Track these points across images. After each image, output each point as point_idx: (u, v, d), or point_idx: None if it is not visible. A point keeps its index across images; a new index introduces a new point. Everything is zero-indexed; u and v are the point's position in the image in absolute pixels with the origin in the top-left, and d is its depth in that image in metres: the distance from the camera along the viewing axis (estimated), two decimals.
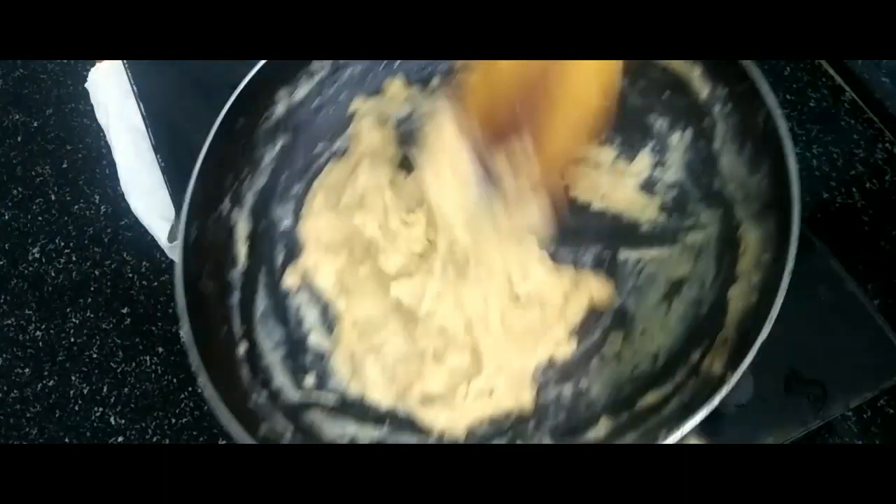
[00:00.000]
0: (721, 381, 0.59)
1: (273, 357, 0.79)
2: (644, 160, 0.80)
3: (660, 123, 0.80)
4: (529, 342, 0.74)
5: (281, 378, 0.77)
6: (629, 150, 0.81)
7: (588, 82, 0.68)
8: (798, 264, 0.62)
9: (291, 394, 0.76)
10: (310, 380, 0.78)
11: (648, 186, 0.79)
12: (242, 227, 0.83)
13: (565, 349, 0.74)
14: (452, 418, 0.72)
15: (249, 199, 0.85)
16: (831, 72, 0.87)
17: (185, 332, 0.71)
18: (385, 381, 0.76)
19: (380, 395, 0.76)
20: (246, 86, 0.82)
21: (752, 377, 0.69)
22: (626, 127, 0.82)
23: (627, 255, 0.77)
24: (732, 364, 0.60)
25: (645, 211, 0.78)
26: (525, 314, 0.74)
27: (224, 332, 0.77)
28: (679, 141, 0.79)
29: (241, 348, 0.77)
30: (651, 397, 0.67)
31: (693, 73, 0.75)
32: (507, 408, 0.72)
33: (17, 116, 1.10)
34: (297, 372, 0.78)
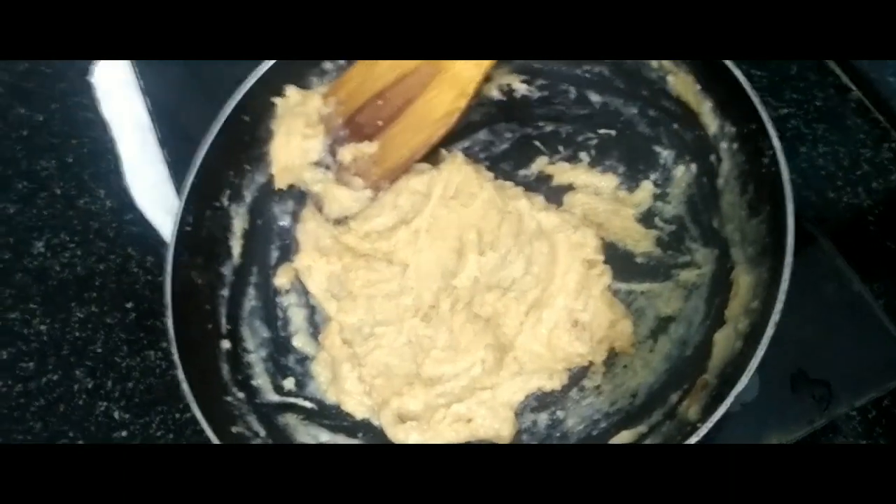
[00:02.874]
0: (693, 428, 0.59)
1: (255, 356, 0.79)
2: (646, 191, 0.80)
3: (666, 155, 0.80)
4: (556, 364, 0.74)
5: (260, 378, 0.78)
6: (632, 180, 0.81)
7: (443, 96, 0.77)
8: (804, 263, 0.63)
9: (269, 395, 0.77)
10: (289, 383, 0.78)
11: (647, 218, 0.79)
12: (239, 223, 0.83)
13: (555, 382, 0.74)
14: (424, 440, 0.72)
15: (249, 195, 0.84)
16: (838, 71, 0.87)
17: (168, 322, 0.72)
18: (362, 393, 0.76)
19: (356, 405, 0.76)
20: (253, 83, 0.81)
21: (759, 376, 0.69)
22: (631, 155, 0.82)
23: (618, 286, 0.76)
24: (707, 412, 0.60)
25: (641, 243, 0.78)
26: (571, 341, 0.74)
27: (209, 326, 0.77)
28: (683, 175, 0.78)
29: (225, 344, 0.77)
30: (625, 435, 0.67)
31: (703, 107, 0.74)
32: (482, 437, 0.72)
33: (22, 111, 1.10)
34: (278, 374, 0.79)
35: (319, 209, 0.83)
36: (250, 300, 0.82)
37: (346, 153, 0.82)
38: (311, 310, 0.83)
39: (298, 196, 0.86)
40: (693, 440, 0.59)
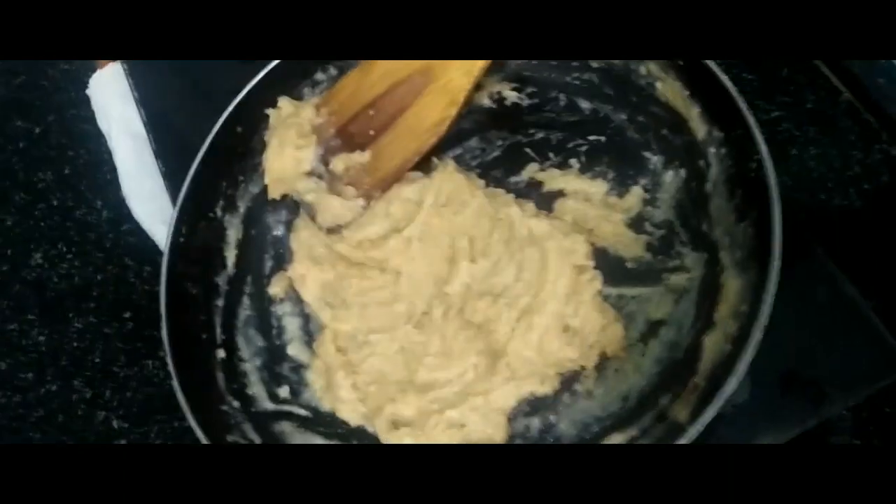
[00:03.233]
0: (682, 430, 0.60)
1: (250, 365, 0.80)
2: (635, 196, 0.80)
3: (655, 160, 0.80)
4: (548, 369, 0.74)
5: (256, 387, 0.78)
6: (621, 185, 0.81)
7: (434, 105, 0.78)
8: (795, 266, 0.63)
9: (264, 404, 0.77)
10: (284, 391, 0.79)
11: (637, 223, 0.79)
12: (233, 233, 0.84)
13: (547, 387, 0.74)
14: None
15: (243, 205, 0.85)
16: (828, 73, 0.87)
17: (164, 332, 0.73)
18: (356, 400, 0.77)
19: (350, 413, 0.77)
20: (246, 94, 0.82)
21: (750, 378, 0.69)
22: (620, 161, 0.82)
23: (609, 291, 0.76)
24: (696, 414, 0.60)
25: (631, 248, 0.78)
26: (563, 347, 0.74)
27: (205, 336, 0.78)
28: (672, 180, 0.78)
29: (220, 353, 0.78)
30: (617, 438, 0.67)
31: (692, 113, 0.74)
32: (475, 442, 0.72)
33: (19, 123, 1.10)
34: (272, 382, 0.79)
35: (313, 218, 0.84)
36: (245, 309, 0.83)
37: (339, 163, 0.83)
38: (306, 318, 0.83)
39: (292, 206, 0.87)
40: (683, 441, 0.59)
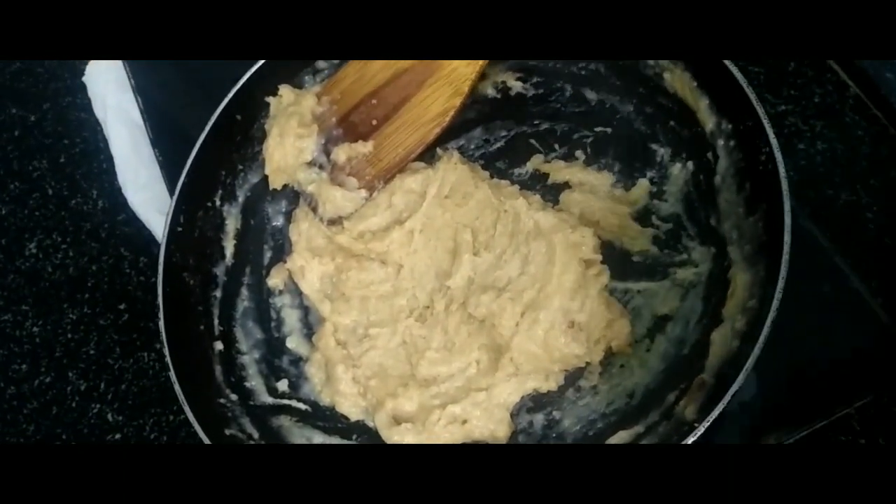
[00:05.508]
0: (691, 428, 0.59)
1: (248, 358, 0.79)
2: (642, 189, 0.79)
3: (662, 153, 0.79)
4: (553, 365, 0.73)
5: (254, 380, 0.77)
6: (628, 178, 0.80)
7: (438, 95, 0.77)
8: (802, 261, 0.62)
9: (263, 397, 0.77)
10: (283, 385, 0.78)
11: (644, 217, 0.78)
12: (232, 223, 0.83)
13: (551, 383, 0.73)
14: (419, 441, 0.71)
15: (242, 195, 0.84)
16: (836, 67, 0.86)
17: (161, 323, 0.72)
18: (357, 394, 0.76)
19: (350, 407, 0.76)
20: (246, 81, 0.81)
21: (756, 375, 0.68)
22: (627, 153, 0.81)
23: (615, 285, 0.75)
24: (704, 411, 0.59)
25: (637, 241, 0.77)
26: (568, 342, 0.72)
27: (202, 328, 0.77)
28: (680, 172, 0.77)
29: (218, 346, 0.77)
30: (622, 436, 0.66)
31: (700, 104, 0.73)
32: (477, 438, 0.72)
33: (14, 111, 1.09)
34: (271, 375, 0.78)
35: (314, 209, 0.83)
36: (243, 301, 0.82)
37: (341, 153, 0.82)
38: (305, 311, 0.82)
39: (292, 195, 0.86)
40: (690, 440, 0.58)
